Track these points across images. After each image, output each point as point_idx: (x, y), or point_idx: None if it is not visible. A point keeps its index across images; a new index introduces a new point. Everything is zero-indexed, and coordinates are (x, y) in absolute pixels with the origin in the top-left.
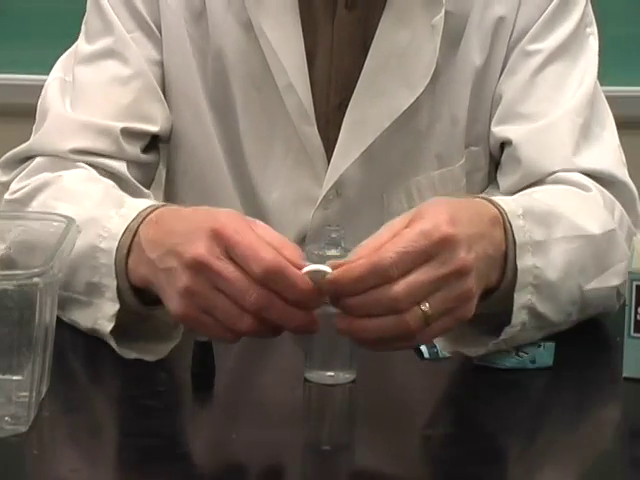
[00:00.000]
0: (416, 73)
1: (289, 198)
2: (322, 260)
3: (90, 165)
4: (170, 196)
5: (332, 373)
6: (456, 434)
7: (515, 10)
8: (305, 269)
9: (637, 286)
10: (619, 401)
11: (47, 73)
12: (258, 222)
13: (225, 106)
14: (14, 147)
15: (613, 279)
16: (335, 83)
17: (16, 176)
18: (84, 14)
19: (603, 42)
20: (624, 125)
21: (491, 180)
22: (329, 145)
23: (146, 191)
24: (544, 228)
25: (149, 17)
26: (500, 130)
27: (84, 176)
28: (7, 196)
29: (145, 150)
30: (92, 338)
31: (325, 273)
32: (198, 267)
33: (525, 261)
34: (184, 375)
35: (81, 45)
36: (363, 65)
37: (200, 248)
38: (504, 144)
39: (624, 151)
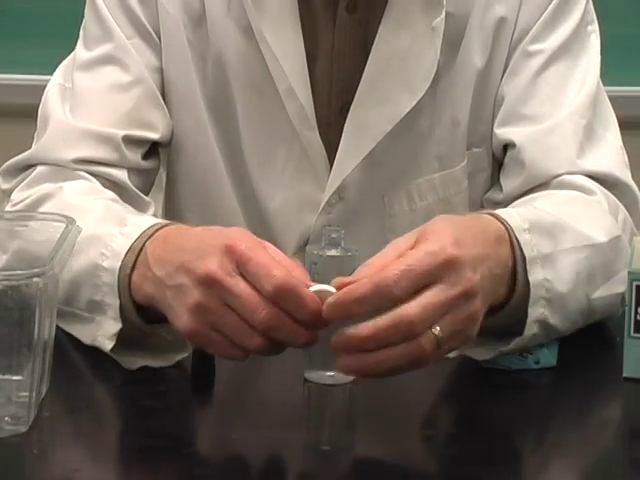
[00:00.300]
0: (417, 76)
1: (291, 203)
2: (322, 260)
3: (91, 174)
4: (171, 200)
5: (332, 373)
6: (456, 434)
7: (516, 10)
8: (312, 288)
9: (637, 286)
10: (619, 401)
11: (47, 73)
12: (267, 244)
13: (225, 111)
14: (14, 147)
15: (619, 286)
16: (336, 86)
17: (17, 184)
18: (84, 15)
19: (603, 42)
20: (625, 125)
21: (494, 181)
22: (330, 149)
23: (147, 199)
24: (551, 240)
25: (148, 23)
26: (503, 132)
27: (85, 188)
28: (9, 207)
29: (145, 156)
30: None
31: (330, 293)
32: (210, 283)
33: (536, 275)
34: (184, 375)
35: (79, 52)
36: (364, 68)
37: (212, 264)
38: (507, 146)
39: (624, 151)
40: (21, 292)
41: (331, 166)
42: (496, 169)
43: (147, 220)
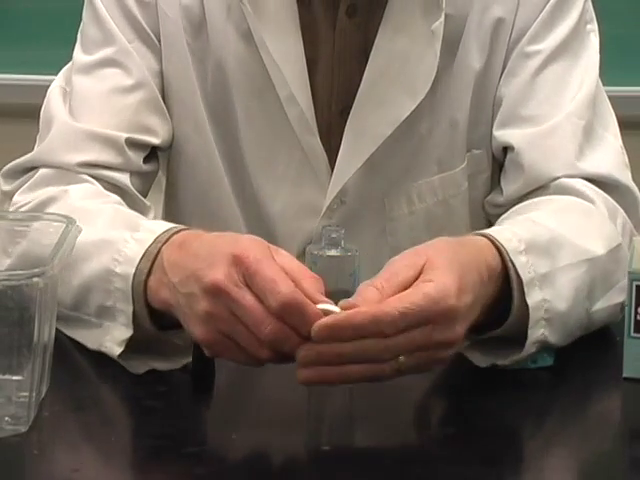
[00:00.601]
0: (417, 80)
1: (293, 208)
2: (322, 260)
3: (94, 177)
4: (171, 204)
5: None
6: (456, 434)
7: (514, 11)
8: (320, 306)
9: (637, 286)
10: (619, 401)
11: (47, 73)
12: (281, 250)
13: (225, 116)
14: (14, 147)
15: (618, 296)
16: (336, 90)
17: (19, 186)
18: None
19: (603, 42)
20: (624, 125)
21: (494, 181)
22: (331, 153)
23: (147, 203)
24: (548, 258)
25: (148, 26)
26: (502, 134)
27: (90, 192)
28: (12, 210)
29: (145, 159)
30: None
31: (336, 313)
32: (216, 292)
33: (534, 297)
34: (184, 375)
35: (78, 55)
36: (364, 72)
37: (219, 274)
38: (507, 148)
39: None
40: (21, 292)
41: (332, 170)
42: (496, 170)
43: (160, 225)
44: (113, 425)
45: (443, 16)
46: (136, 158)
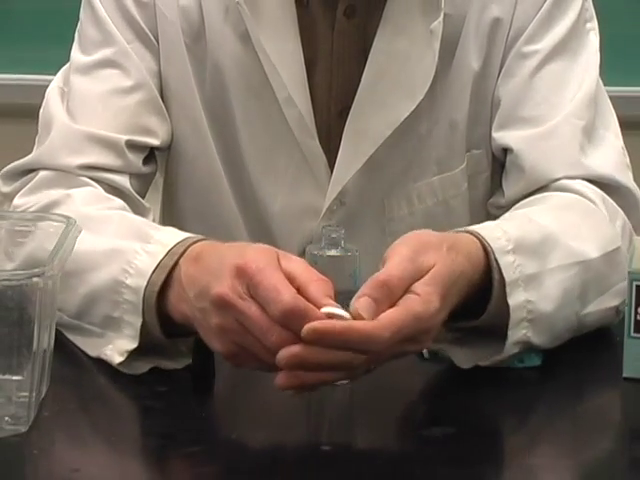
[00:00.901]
0: (415, 81)
1: (292, 209)
2: (322, 260)
3: (94, 180)
4: (170, 205)
5: None
6: (456, 434)
7: (511, 10)
8: (324, 309)
9: (637, 286)
10: (619, 401)
11: (47, 73)
12: (290, 255)
13: (224, 118)
14: (14, 147)
15: (612, 300)
16: (335, 91)
17: (18, 189)
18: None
19: (603, 42)
20: (624, 125)
21: (494, 181)
22: (330, 154)
23: (147, 205)
24: (537, 259)
25: (146, 27)
26: (500, 136)
27: (94, 196)
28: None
29: (144, 161)
30: None
31: (342, 317)
32: (223, 305)
33: (517, 298)
34: (184, 375)
35: (76, 56)
36: (363, 73)
37: (223, 287)
38: (506, 150)
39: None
40: (21, 292)
41: (331, 171)
42: (496, 169)
43: (171, 236)
44: (113, 425)
45: (442, 16)
46: (136, 160)
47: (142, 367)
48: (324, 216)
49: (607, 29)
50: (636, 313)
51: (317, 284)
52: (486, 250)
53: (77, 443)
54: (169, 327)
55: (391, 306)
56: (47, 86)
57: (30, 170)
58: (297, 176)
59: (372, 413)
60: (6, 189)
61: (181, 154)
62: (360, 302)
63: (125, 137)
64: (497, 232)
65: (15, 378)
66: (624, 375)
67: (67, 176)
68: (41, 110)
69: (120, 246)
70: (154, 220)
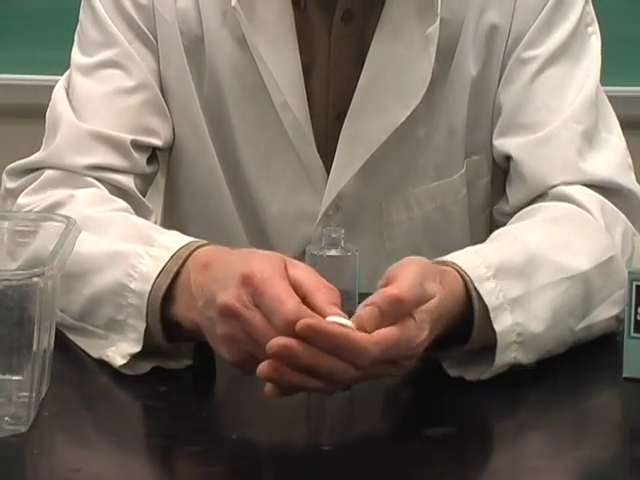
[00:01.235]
0: (412, 85)
1: (289, 213)
2: (322, 260)
3: (99, 180)
4: (171, 206)
5: None
6: (456, 434)
7: (510, 16)
8: (329, 318)
9: (637, 286)
10: (619, 401)
11: (47, 73)
12: (297, 263)
13: (222, 120)
14: (14, 147)
15: (611, 310)
16: (332, 96)
17: (23, 186)
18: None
19: (603, 42)
20: (624, 125)
21: (495, 186)
22: (327, 158)
23: (150, 206)
24: (522, 281)
25: (145, 27)
26: (501, 144)
27: (97, 197)
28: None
29: (147, 161)
30: None
31: (346, 327)
32: (229, 314)
33: (503, 322)
34: (185, 375)
35: (77, 57)
36: (360, 77)
37: (229, 296)
38: (508, 157)
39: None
40: (21, 292)
41: (328, 175)
42: (498, 175)
43: (175, 240)
44: (113, 425)
45: (438, 21)
46: (140, 160)
47: (143, 368)
48: (321, 220)
49: (607, 29)
50: (636, 313)
51: (323, 292)
52: (464, 279)
53: (77, 443)
54: (172, 331)
55: (392, 323)
56: (48, 86)
57: (36, 168)
58: (294, 180)
59: (372, 413)
60: (11, 185)
61: (182, 155)
62: (367, 311)
63: (130, 137)
64: (476, 260)
65: (15, 378)
66: (624, 375)
67: (73, 176)
68: (48, 110)
69: (124, 249)
70: (156, 221)
